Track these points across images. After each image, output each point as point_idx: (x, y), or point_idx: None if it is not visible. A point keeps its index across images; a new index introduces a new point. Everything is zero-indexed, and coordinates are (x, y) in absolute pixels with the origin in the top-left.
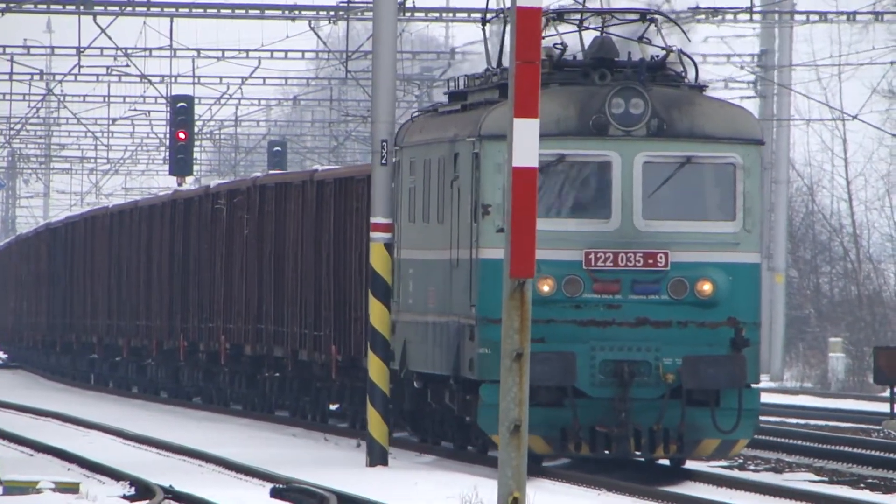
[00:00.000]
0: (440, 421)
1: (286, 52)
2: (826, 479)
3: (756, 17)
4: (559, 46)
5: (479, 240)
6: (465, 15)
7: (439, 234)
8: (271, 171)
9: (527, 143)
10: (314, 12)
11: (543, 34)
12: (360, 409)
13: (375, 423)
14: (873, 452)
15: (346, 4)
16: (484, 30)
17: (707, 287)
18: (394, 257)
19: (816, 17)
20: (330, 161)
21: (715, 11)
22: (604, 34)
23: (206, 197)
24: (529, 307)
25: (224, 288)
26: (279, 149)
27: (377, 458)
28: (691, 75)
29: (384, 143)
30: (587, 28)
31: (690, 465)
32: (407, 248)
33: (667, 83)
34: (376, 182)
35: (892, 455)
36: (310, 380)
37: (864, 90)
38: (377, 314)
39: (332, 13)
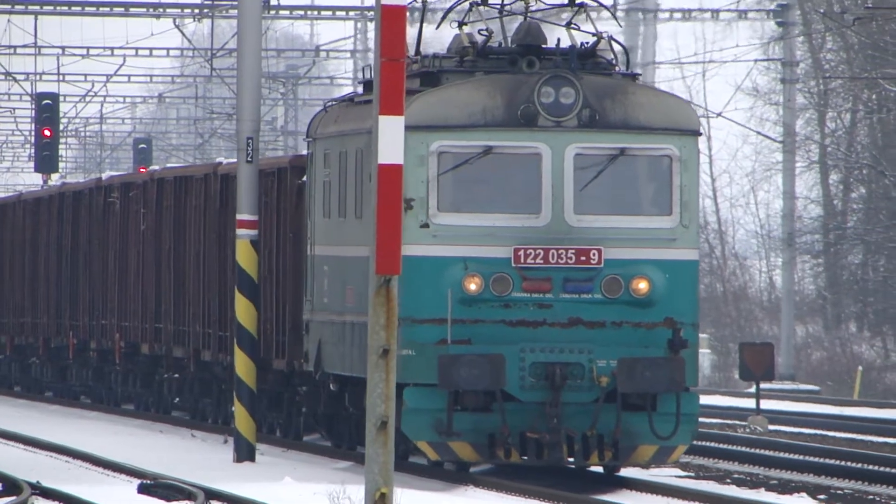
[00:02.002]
0: (357, 425)
1: (151, 49)
2: (693, 474)
3: (620, 14)
4: (484, 33)
5: (402, 236)
6: (329, 13)
7: (357, 230)
8: (169, 166)
9: (392, 141)
10: (179, 10)
11: (466, 20)
12: (269, 413)
13: (242, 419)
14: (739, 448)
15: (210, 2)
16: None
17: (643, 285)
18: (307, 254)
19: (680, 15)
20: (195, 158)
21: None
22: (528, 19)
23: (97, 190)
24: (396, 303)
25: (118, 285)
26: (144, 146)
27: (244, 454)
28: (622, 63)
29: (249, 141)
30: (509, 14)
31: (626, 472)
32: (321, 244)
33: (598, 71)
34: (242, 180)
35: (757, 450)
36: (211, 381)
37: (729, 88)
38: (243, 310)
39: (196, 11)
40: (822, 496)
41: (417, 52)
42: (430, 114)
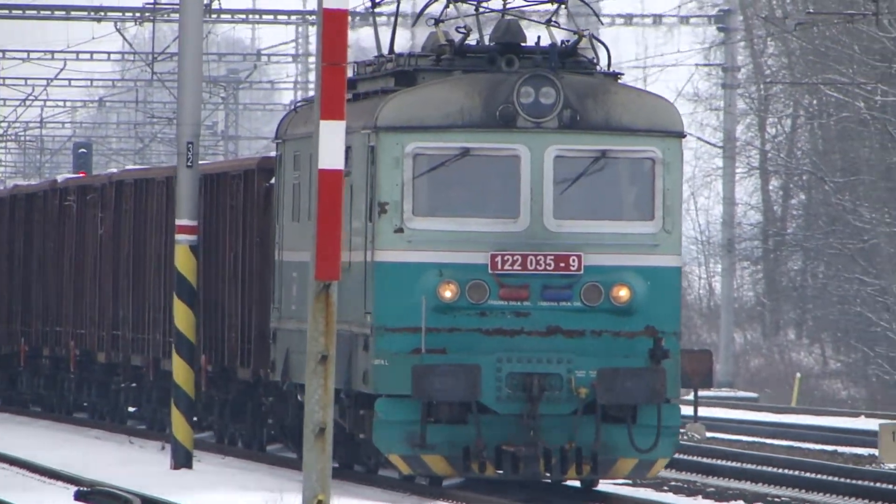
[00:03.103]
0: None
1: (92, 53)
2: (630, 482)
3: (561, 19)
4: (462, 30)
5: (376, 241)
6: (271, 17)
7: None
8: (129, 167)
9: (332, 146)
10: (120, 13)
11: (443, 17)
12: (231, 424)
13: (179, 425)
14: (677, 455)
15: (152, 6)
16: (374, 15)
17: (623, 293)
18: (274, 259)
19: (622, 20)
20: (135, 163)
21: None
22: (506, 16)
23: (52, 192)
24: (335, 310)
25: (74, 291)
26: (84, 150)
27: (181, 460)
28: (603, 62)
29: (189, 145)
30: (487, 11)
31: (604, 486)
32: (290, 249)
33: (579, 70)
34: (181, 184)
35: (695, 458)
36: (168, 390)
37: (670, 93)
38: (182, 316)
39: (138, 14)
40: (759, 503)
41: (391, 50)
42: (406, 114)
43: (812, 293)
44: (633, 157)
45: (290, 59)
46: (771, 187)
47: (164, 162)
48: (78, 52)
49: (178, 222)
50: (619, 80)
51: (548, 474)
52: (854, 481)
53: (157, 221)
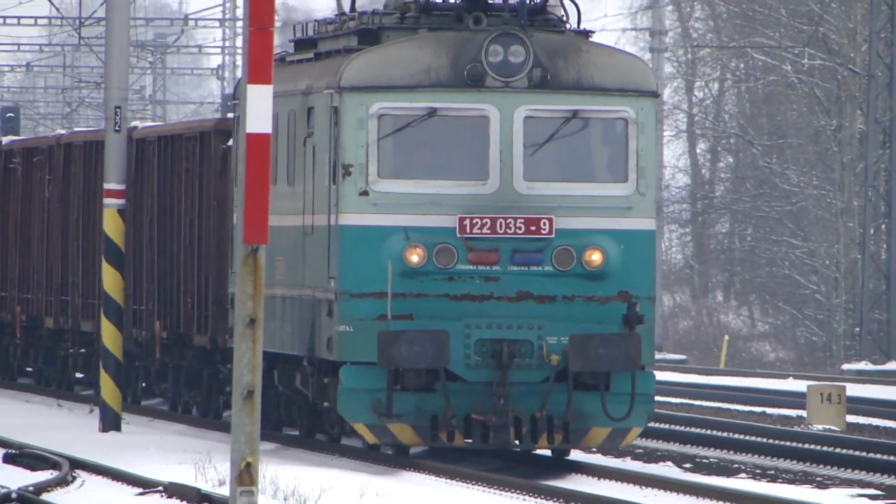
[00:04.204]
0: (287, 405)
1: (19, 18)
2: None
3: None
4: None
5: (340, 204)
6: None
7: (289, 198)
8: (77, 129)
9: (260, 110)
10: None
11: None
12: (186, 391)
13: (108, 388)
14: None
15: None
16: None
17: (596, 257)
18: (232, 223)
19: None
20: (63, 127)
21: None
22: None
23: None
24: (263, 273)
25: (19, 255)
26: (12, 115)
27: (110, 423)
28: (573, 20)
29: (118, 110)
30: None
31: (576, 455)
32: None
33: (549, 28)
34: (109, 148)
35: None
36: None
37: None
38: (110, 280)
39: None
40: (687, 465)
41: (353, 8)
42: (370, 74)
43: (740, 256)
44: (605, 117)
45: (217, 23)
46: (699, 150)
47: (92, 126)
48: (5, 17)
49: (107, 186)
50: (590, 39)
51: (518, 443)
52: (782, 442)
53: None
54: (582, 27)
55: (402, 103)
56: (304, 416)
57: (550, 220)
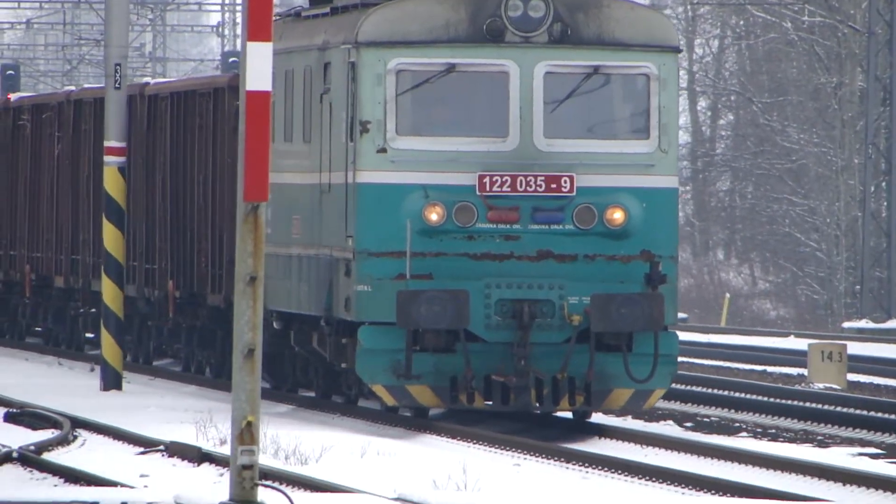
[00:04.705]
0: (304, 366)
1: None
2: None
3: None
4: None
5: (357, 161)
6: None
7: (305, 156)
8: (87, 86)
9: (260, 68)
10: None
11: None
12: (199, 352)
13: (109, 347)
14: None
15: None
16: None
17: (618, 215)
18: None
19: None
20: (63, 85)
21: None
22: None
23: (4, 111)
24: (263, 231)
25: (29, 213)
26: (12, 72)
27: (111, 382)
28: None
29: (118, 67)
30: None
31: (597, 418)
32: None
33: None
34: (110, 106)
35: None
36: (133, 317)
37: None
38: (111, 238)
39: None
40: (688, 423)
41: None
42: (388, 29)
43: (741, 214)
44: (627, 73)
45: None
46: (699, 108)
47: (92, 83)
48: None
49: (107, 144)
50: None
51: (539, 405)
52: (783, 401)
53: None
54: None
55: (421, 59)
56: (321, 378)
57: (571, 178)
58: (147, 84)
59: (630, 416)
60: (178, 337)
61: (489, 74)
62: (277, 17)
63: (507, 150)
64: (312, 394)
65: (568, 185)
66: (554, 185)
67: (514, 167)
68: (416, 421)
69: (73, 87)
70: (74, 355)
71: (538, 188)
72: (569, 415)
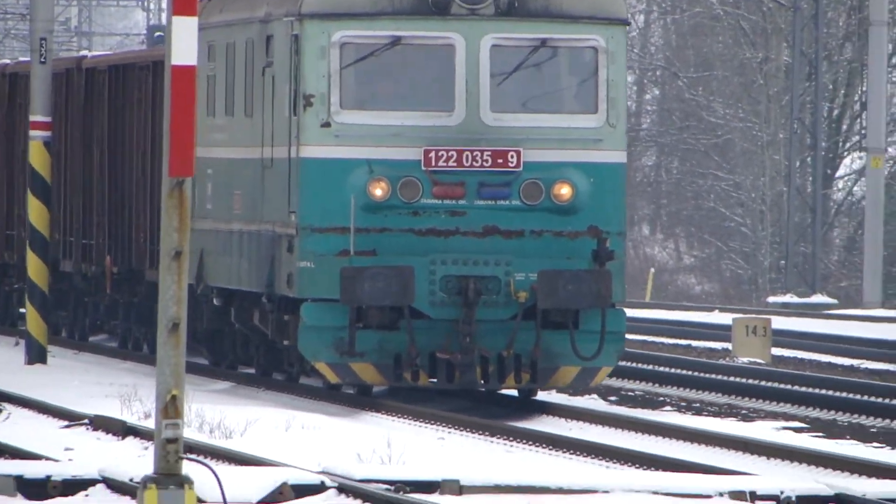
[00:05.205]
0: (244, 343)
1: None
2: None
3: None
4: None
5: (301, 136)
6: None
7: (247, 130)
8: (23, 59)
9: (185, 42)
10: None
11: None
12: (136, 327)
13: (33, 320)
14: None
15: None
16: None
17: (565, 190)
18: None
19: None
20: None
21: None
22: None
23: None
24: (189, 206)
25: None
26: None
27: (36, 356)
28: None
29: (43, 41)
30: None
31: (543, 395)
32: (204, 145)
33: None
34: (35, 81)
35: None
36: (68, 293)
37: None
38: (36, 212)
39: None
40: (613, 397)
41: None
42: (332, 1)
43: (666, 188)
44: (574, 45)
45: None
46: None
47: (17, 58)
48: None
49: (32, 118)
50: None
51: (484, 383)
52: (708, 375)
53: (58, 116)
54: None
55: (366, 31)
56: (262, 355)
57: (518, 153)
58: (84, 57)
59: (554, 391)
60: (116, 313)
61: (435, 47)
62: None
63: (452, 125)
64: (252, 371)
65: (514, 160)
66: (500, 161)
67: (459, 142)
68: (363, 399)
69: (7, 61)
70: (2, 330)
71: (484, 163)
72: (514, 392)
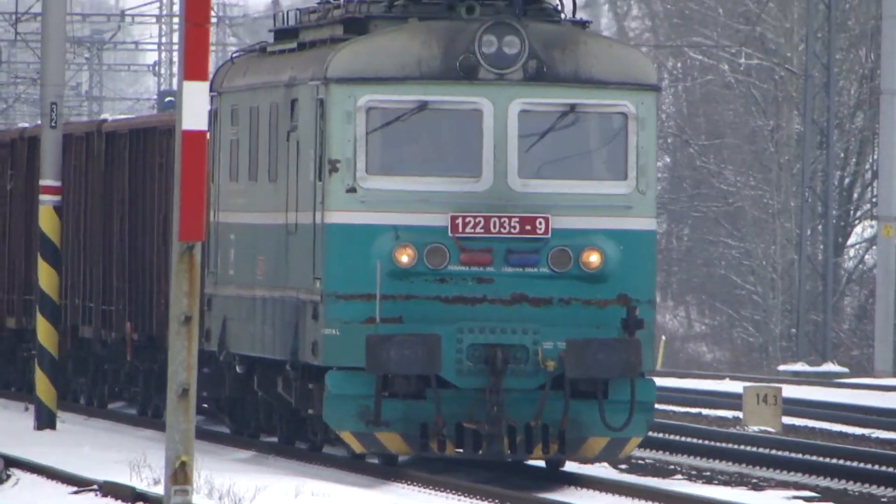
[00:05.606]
0: (267, 411)
1: None
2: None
3: None
4: None
5: (326, 201)
6: None
7: (271, 195)
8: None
9: (196, 107)
10: None
11: None
12: (156, 395)
13: (43, 386)
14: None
15: None
16: None
17: (594, 258)
18: (209, 220)
19: None
20: None
21: None
22: None
23: None
24: (199, 270)
25: None
26: None
27: (45, 421)
28: (568, 9)
29: (53, 106)
30: None
31: (571, 467)
32: (227, 210)
33: (545, 18)
34: (46, 144)
35: None
36: (87, 359)
37: None
38: (45, 277)
39: None
40: (622, 466)
41: None
42: (358, 65)
43: (677, 256)
44: (604, 111)
45: (153, 19)
46: None
47: (28, 122)
48: None
49: (42, 183)
50: (587, 29)
51: (511, 453)
52: (718, 444)
53: (77, 179)
54: (577, 16)
55: (392, 96)
56: (285, 424)
57: (546, 220)
58: (105, 121)
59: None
60: (136, 380)
61: (462, 112)
62: (241, 53)
63: (480, 191)
64: (275, 439)
65: (543, 226)
66: (528, 227)
67: (487, 208)
68: (389, 469)
69: (26, 125)
70: (10, 395)
71: (512, 230)
72: (542, 463)
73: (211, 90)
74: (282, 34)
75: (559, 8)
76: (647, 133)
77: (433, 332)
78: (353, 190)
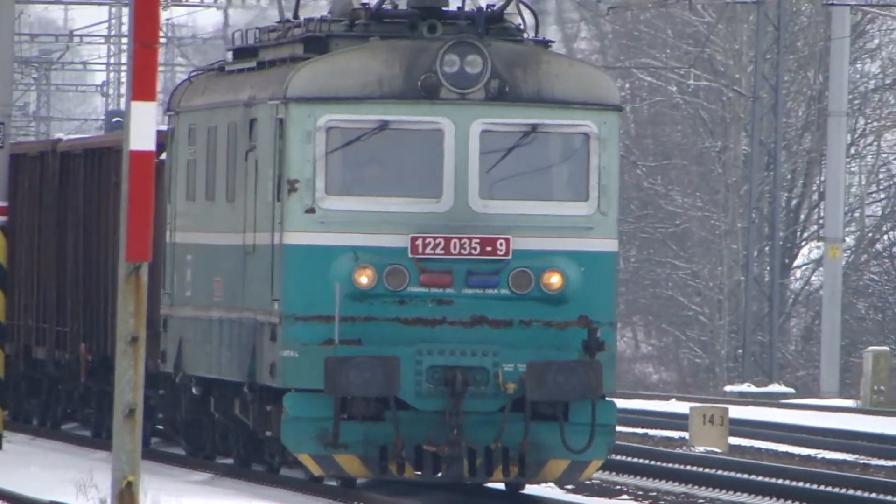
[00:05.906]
0: (223, 433)
1: None
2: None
3: None
4: None
5: (285, 222)
6: None
7: (228, 215)
8: None
9: (143, 127)
10: None
11: None
12: (110, 417)
13: None
14: None
15: None
16: None
17: (555, 280)
18: (165, 241)
19: None
20: None
21: None
22: None
23: None
24: (145, 291)
25: None
26: None
27: None
28: (531, 29)
29: (1, 126)
30: None
31: (529, 489)
32: (184, 230)
33: (507, 38)
34: None
35: None
36: (41, 380)
37: None
38: None
39: None
40: (569, 486)
41: (296, 14)
42: (318, 84)
43: (624, 277)
44: (566, 131)
45: (102, 39)
46: None
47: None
48: None
49: None
50: (550, 48)
51: (471, 476)
52: (664, 464)
53: (30, 199)
54: (539, 35)
55: (352, 115)
56: (242, 446)
57: (507, 241)
58: (60, 140)
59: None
60: (90, 401)
61: (423, 132)
62: (199, 72)
63: (440, 212)
64: (231, 461)
65: (503, 247)
66: (489, 248)
67: (447, 229)
68: (347, 491)
69: None
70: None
71: (472, 251)
72: (502, 486)
73: (168, 110)
74: (241, 53)
75: (521, 27)
76: (608, 153)
77: (392, 353)
78: (311, 210)
